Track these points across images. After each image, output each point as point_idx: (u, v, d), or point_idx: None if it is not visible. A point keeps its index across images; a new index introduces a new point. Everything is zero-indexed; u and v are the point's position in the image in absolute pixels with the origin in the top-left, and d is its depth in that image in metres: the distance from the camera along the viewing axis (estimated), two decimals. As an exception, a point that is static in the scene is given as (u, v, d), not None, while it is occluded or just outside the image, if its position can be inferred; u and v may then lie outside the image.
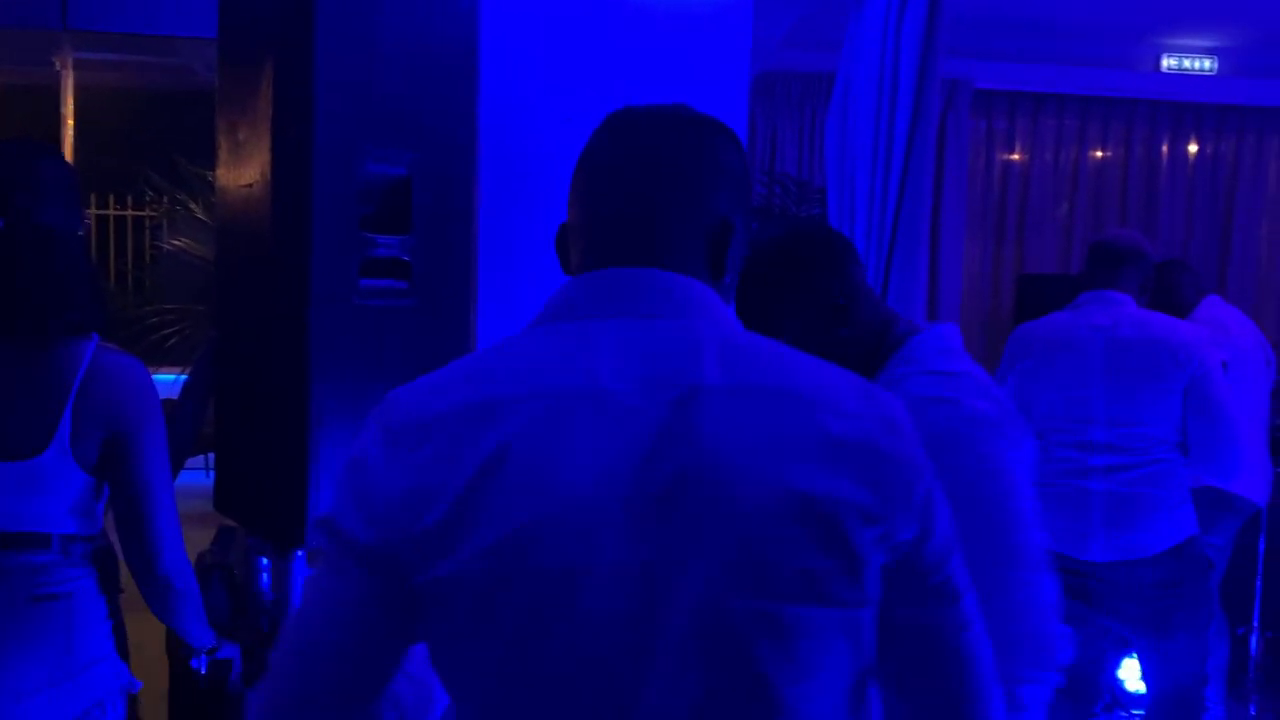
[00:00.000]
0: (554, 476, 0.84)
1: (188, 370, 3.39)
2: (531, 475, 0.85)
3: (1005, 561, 1.50)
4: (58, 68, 3.95)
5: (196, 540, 2.25)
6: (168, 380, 4.33)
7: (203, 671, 1.96)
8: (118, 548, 1.93)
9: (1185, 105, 6.50)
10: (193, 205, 5.94)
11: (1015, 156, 6.63)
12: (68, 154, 3.71)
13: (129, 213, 8.43)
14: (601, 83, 2.83)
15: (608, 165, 1.03)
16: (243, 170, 2.09)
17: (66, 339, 1.83)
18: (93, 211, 7.68)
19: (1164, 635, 2.75)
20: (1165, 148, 6.61)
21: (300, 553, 2.04)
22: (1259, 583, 3.81)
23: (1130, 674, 3.37)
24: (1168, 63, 6.24)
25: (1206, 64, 6.24)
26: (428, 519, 0.86)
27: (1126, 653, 3.14)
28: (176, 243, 5.79)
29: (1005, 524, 1.51)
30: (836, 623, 0.85)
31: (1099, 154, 6.66)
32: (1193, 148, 6.67)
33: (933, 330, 1.70)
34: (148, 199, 6.57)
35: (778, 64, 5.76)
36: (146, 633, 2.13)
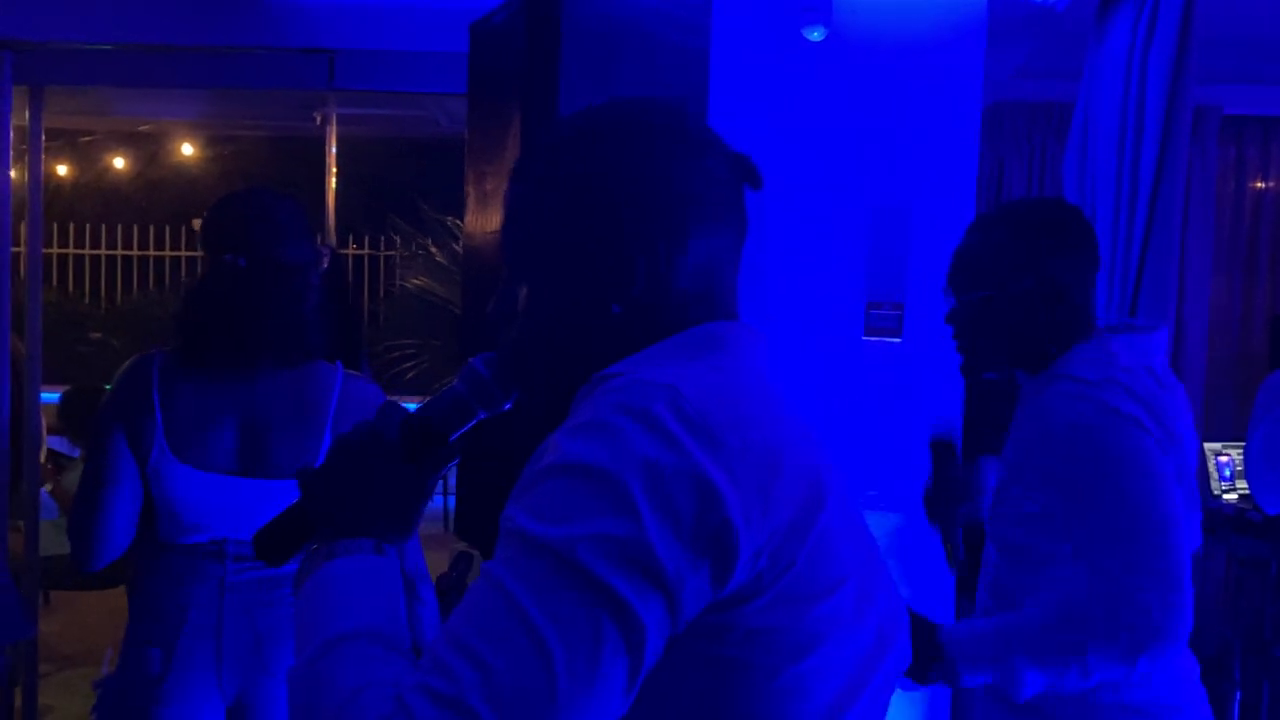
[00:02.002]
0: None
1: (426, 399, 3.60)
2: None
3: (1139, 560, 1.49)
4: (319, 122, 4.32)
5: (433, 564, 2.37)
6: (409, 409, 4.63)
7: None
8: None
9: None
10: (432, 248, 6.33)
11: (1269, 185, 6.15)
12: (329, 200, 4.04)
13: (372, 253, 9.06)
14: (832, 118, 2.84)
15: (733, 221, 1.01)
16: (490, 217, 2.21)
17: (318, 364, 1.99)
18: (347, 252, 8.32)
19: None
20: None
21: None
22: None
23: None
24: None
25: None
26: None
27: None
28: (416, 281, 6.17)
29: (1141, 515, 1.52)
30: None
31: (1368, 181, 6.08)
32: None
33: (1096, 341, 1.69)
34: (394, 241, 7.04)
35: (1005, 95, 5.59)
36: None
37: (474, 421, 1.02)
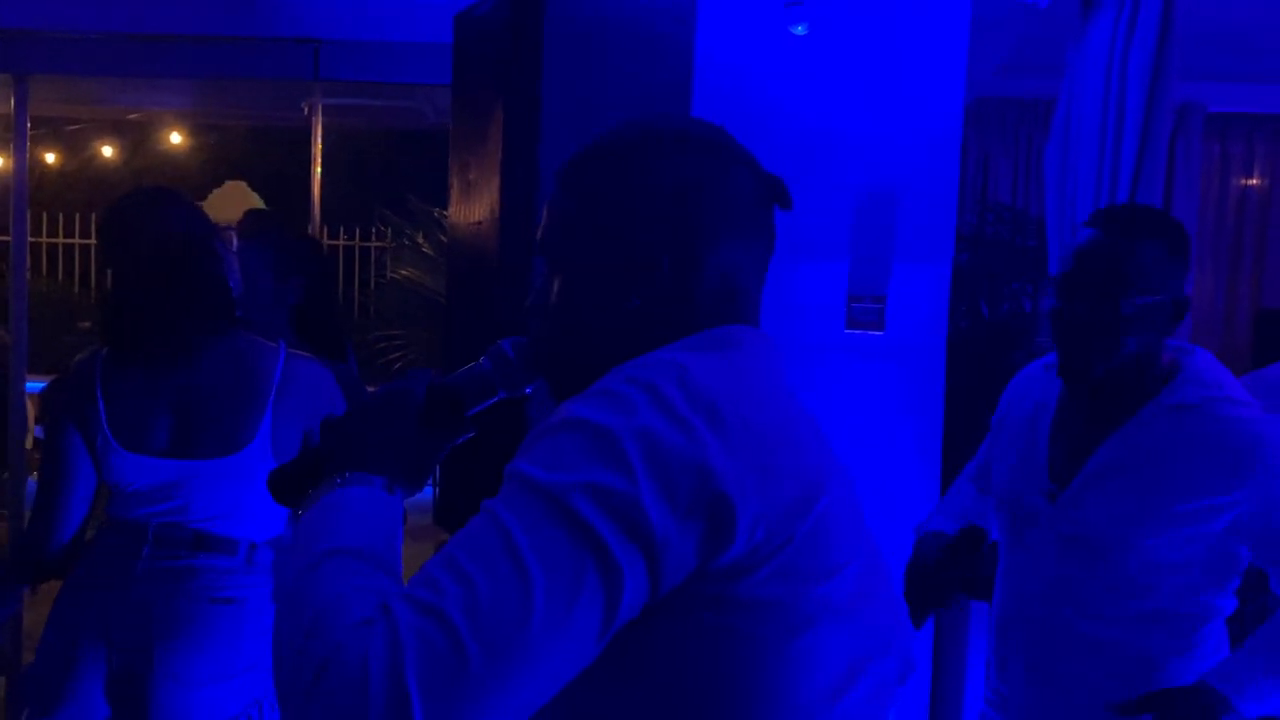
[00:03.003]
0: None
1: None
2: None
3: None
4: (306, 112, 4.30)
5: (417, 555, 2.38)
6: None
7: None
8: None
9: None
10: (419, 239, 6.32)
11: (1253, 182, 6.18)
12: (315, 191, 4.04)
13: (361, 244, 9.04)
14: (815, 111, 2.85)
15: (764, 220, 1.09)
16: (473, 208, 2.22)
17: (258, 344, 2.00)
18: (337, 243, 8.30)
19: None
20: None
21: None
22: None
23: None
24: None
25: None
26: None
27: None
28: (404, 273, 6.17)
29: None
30: None
31: (1352, 178, 6.11)
32: None
33: (1199, 353, 1.75)
34: (382, 232, 7.01)
35: (991, 90, 5.60)
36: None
37: (494, 400, 1.07)
